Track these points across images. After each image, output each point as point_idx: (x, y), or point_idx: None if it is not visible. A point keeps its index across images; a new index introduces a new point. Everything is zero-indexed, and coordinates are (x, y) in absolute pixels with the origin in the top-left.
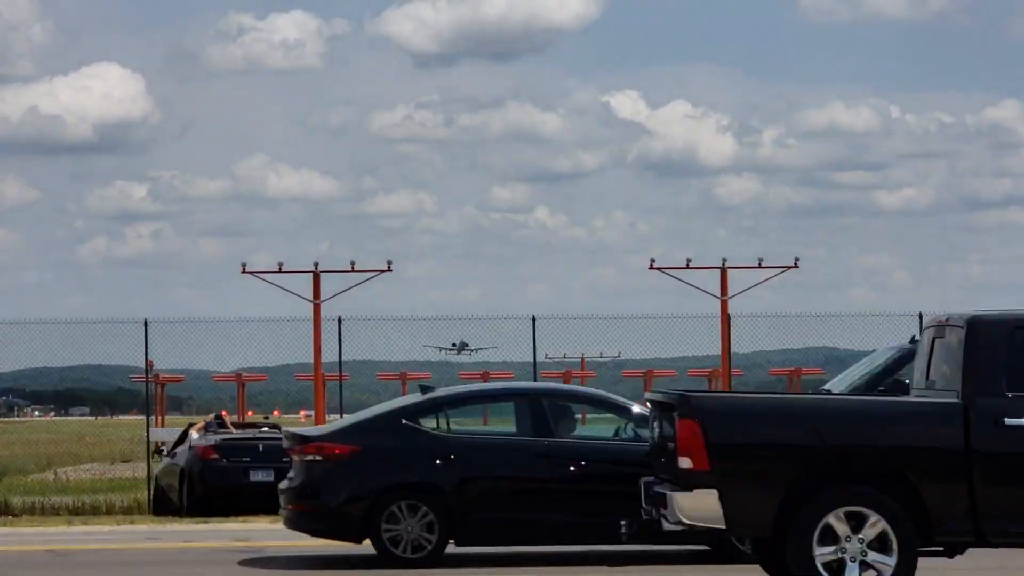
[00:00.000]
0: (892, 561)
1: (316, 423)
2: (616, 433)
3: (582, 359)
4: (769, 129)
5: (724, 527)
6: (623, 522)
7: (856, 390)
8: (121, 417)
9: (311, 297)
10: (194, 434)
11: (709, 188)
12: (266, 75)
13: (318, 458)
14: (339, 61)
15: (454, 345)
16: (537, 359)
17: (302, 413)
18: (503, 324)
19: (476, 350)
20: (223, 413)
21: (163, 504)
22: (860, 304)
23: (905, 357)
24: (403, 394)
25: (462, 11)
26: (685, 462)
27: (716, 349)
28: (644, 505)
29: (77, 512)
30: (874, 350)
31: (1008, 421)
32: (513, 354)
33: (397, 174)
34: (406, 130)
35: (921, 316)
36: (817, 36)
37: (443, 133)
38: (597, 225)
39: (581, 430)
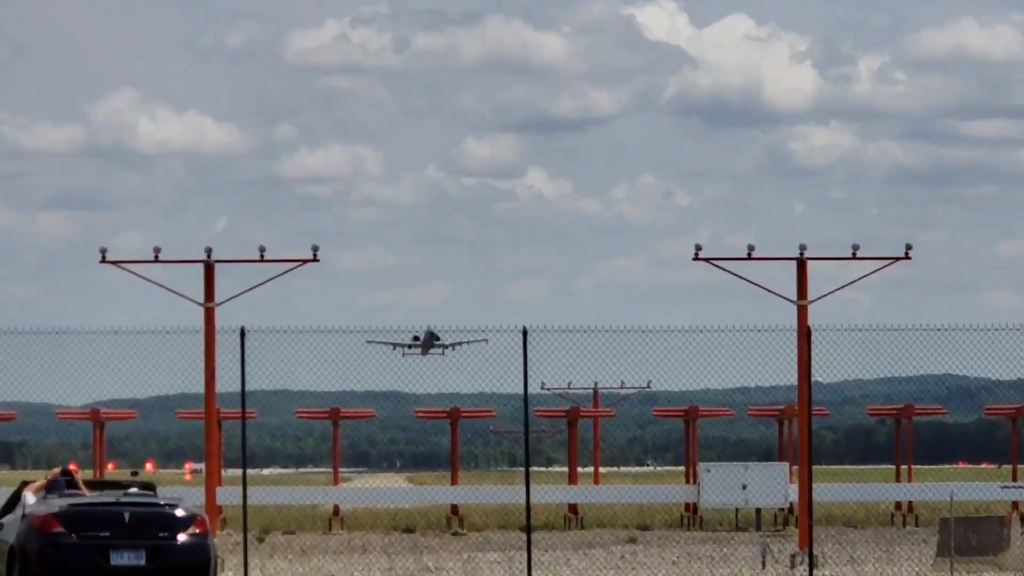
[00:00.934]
0: None
1: (208, 481)
2: None
3: (595, 391)
4: (867, 58)
5: None
6: None
7: None
8: None
9: (201, 299)
10: (30, 496)
11: (780, 143)
12: None
13: None
14: None
15: (416, 340)
16: (530, 390)
17: (187, 467)
18: (480, 340)
19: (452, 346)
20: (71, 467)
21: None
22: (998, 312)
23: None
24: (334, 437)
25: None
26: None
27: (790, 377)
28: None
29: None
30: (1021, 379)
31: None
32: (495, 381)
33: (326, 121)
34: (338, 57)
35: None
36: None
37: (393, 62)
38: (617, 196)
39: None
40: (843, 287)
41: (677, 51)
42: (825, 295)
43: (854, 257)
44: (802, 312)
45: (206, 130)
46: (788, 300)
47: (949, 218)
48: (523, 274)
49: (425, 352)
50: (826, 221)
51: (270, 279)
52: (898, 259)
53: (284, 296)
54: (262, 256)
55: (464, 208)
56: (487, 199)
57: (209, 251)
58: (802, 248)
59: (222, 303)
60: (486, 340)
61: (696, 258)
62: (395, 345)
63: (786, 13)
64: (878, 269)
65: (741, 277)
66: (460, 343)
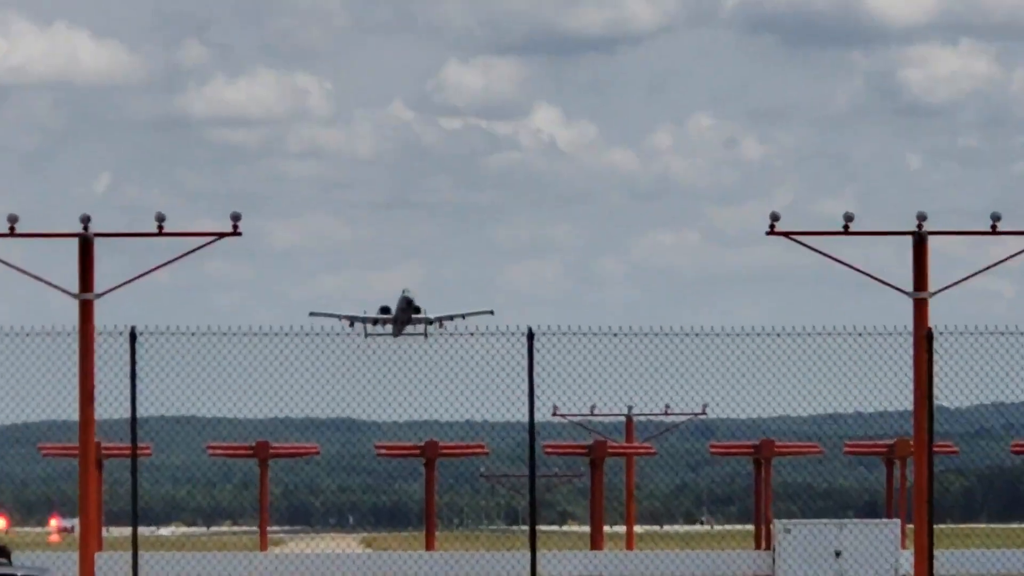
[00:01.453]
0: None
1: (83, 544)
2: None
3: (627, 419)
4: None
5: None
6: None
7: None
8: None
9: (75, 288)
10: None
11: (888, 72)
12: None
13: None
14: None
15: (384, 313)
16: (538, 416)
17: (54, 524)
18: (484, 312)
19: (438, 321)
20: None
21: None
22: None
23: None
24: (262, 482)
25: None
26: None
27: (903, 400)
28: None
29: None
30: None
31: None
32: (488, 403)
33: (249, 39)
34: None
35: None
36: None
37: None
38: (659, 145)
39: None
40: (977, 273)
41: None
42: (953, 284)
43: (993, 232)
44: (920, 307)
45: (80, 51)
46: (901, 291)
47: None
48: (527, 254)
49: (399, 331)
50: (954, 181)
51: (172, 260)
52: None
53: (191, 284)
54: (160, 228)
55: (444, 161)
56: (477, 148)
57: (86, 221)
58: (921, 218)
59: (104, 293)
60: (491, 312)
61: (771, 231)
62: (352, 320)
63: None
64: None
65: (834, 259)
66: (449, 317)
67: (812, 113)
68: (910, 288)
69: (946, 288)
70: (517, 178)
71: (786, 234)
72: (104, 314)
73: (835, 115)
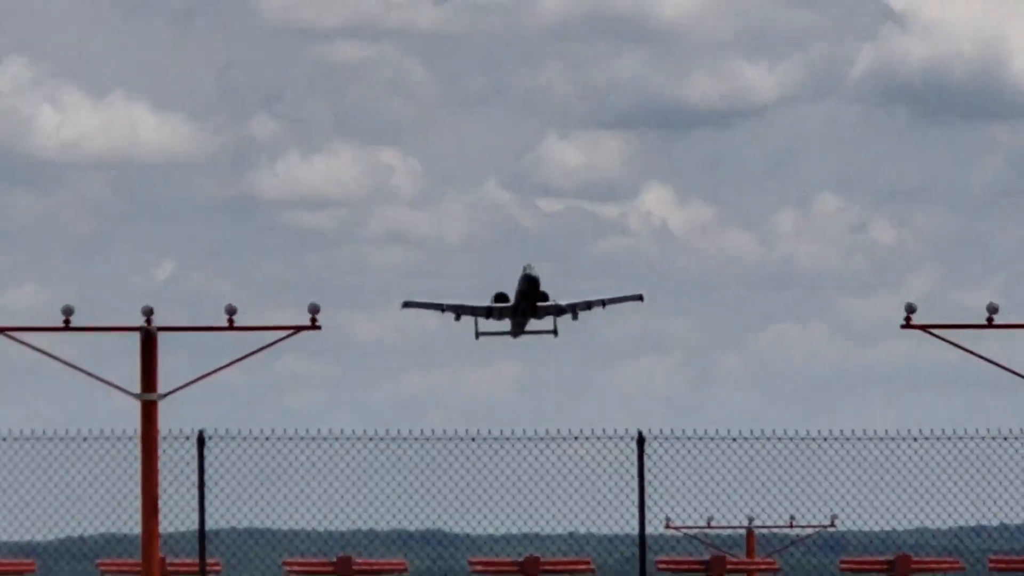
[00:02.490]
0: None
1: None
2: None
3: (748, 531)
4: None
5: None
6: None
7: None
8: None
9: (136, 387)
10: None
11: None
12: None
13: None
14: None
15: (500, 302)
16: (649, 528)
17: None
18: (633, 298)
19: (571, 309)
20: None
21: None
22: None
23: None
24: None
25: None
26: None
27: None
28: None
29: None
30: None
31: None
32: (594, 513)
33: (325, 111)
34: (342, 13)
35: None
36: None
37: (428, 19)
38: (781, 227)
39: None
40: None
41: (876, 5)
42: None
43: None
44: None
45: (140, 125)
46: None
47: None
48: (636, 347)
49: (520, 326)
50: None
51: (243, 357)
52: None
53: (264, 383)
54: (230, 322)
55: (544, 245)
56: (580, 231)
57: (148, 313)
58: None
59: (169, 394)
60: (640, 298)
61: (907, 325)
62: (458, 311)
63: None
64: None
65: (977, 355)
66: (586, 304)
67: (950, 194)
68: None
69: None
70: (624, 266)
71: (923, 327)
72: (169, 416)
73: (975, 196)
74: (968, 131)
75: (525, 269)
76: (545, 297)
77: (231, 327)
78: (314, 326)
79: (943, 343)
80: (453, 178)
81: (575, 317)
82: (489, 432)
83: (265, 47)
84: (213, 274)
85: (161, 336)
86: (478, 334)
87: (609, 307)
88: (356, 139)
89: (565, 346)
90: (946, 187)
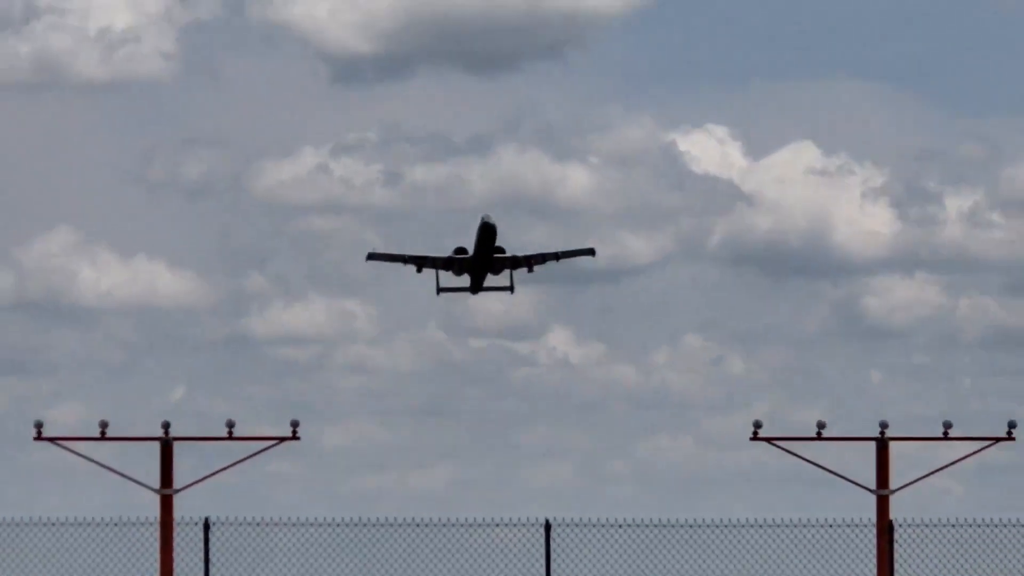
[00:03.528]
0: None
1: None
2: None
3: None
4: (957, 196)
5: None
6: None
7: None
8: None
9: (157, 483)
10: None
11: (853, 299)
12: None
13: None
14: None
15: (459, 254)
16: None
17: None
18: (484, 535)
19: (526, 261)
20: None
21: None
22: None
23: None
24: None
25: None
26: None
27: None
28: None
29: None
30: None
31: None
32: None
33: (303, 269)
34: (317, 192)
35: None
36: None
37: (384, 197)
38: (657, 361)
39: None
40: (932, 473)
41: (728, 186)
42: (910, 483)
43: (945, 437)
44: (883, 504)
45: (159, 279)
46: (866, 489)
47: None
48: (544, 455)
49: (479, 282)
50: (910, 394)
51: (241, 460)
52: (998, 439)
53: (257, 481)
54: (230, 433)
55: (472, 376)
56: (500, 364)
57: (167, 426)
58: (883, 426)
59: (182, 489)
60: (592, 252)
61: (755, 437)
62: (420, 262)
63: (860, 141)
64: (974, 452)
65: (808, 461)
66: (540, 256)
67: (788, 335)
68: (874, 487)
69: (904, 487)
70: (535, 390)
71: (767, 439)
72: (181, 507)
73: (808, 337)
74: (801, 286)
75: (483, 218)
76: (501, 250)
77: (231, 437)
78: (295, 437)
79: (783, 451)
80: (402, 322)
81: (530, 270)
82: (425, 519)
83: (257, 220)
84: (216, 396)
85: (176, 444)
86: (439, 290)
87: (563, 261)
88: (327, 291)
89: (489, 449)
90: (784, 330)
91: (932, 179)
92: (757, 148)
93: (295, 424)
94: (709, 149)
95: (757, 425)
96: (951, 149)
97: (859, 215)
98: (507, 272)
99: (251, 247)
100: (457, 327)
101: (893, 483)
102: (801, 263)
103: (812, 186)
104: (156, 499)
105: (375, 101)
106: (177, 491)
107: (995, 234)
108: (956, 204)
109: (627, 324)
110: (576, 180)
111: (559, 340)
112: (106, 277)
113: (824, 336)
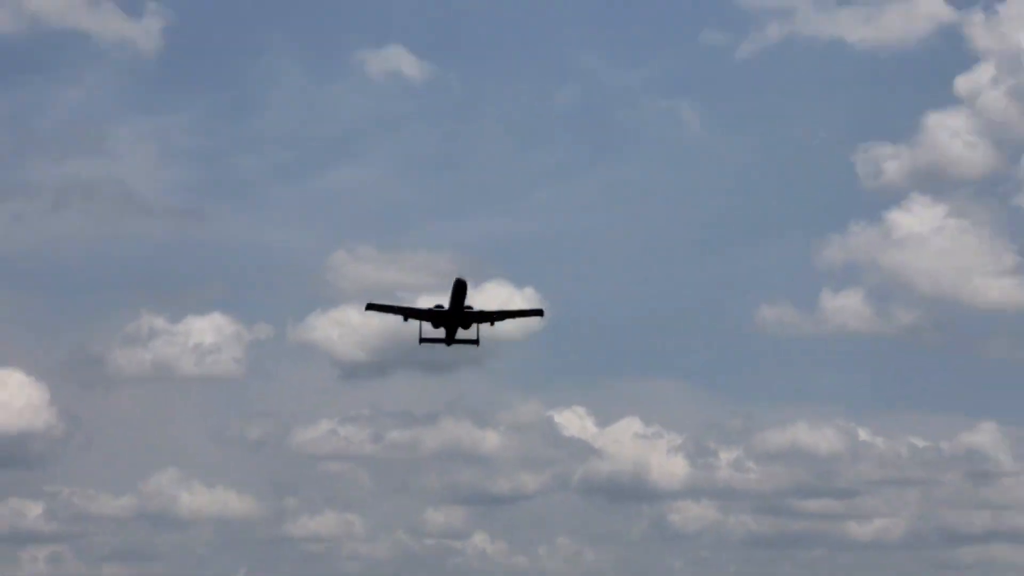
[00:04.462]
0: None
1: None
2: None
3: None
4: (727, 450)
5: None
6: None
7: None
8: None
9: None
10: None
11: (662, 515)
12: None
13: None
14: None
15: (437, 308)
16: None
17: None
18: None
19: (489, 318)
20: None
21: None
22: None
23: None
24: None
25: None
26: None
27: None
28: None
29: None
30: None
31: None
32: None
33: (321, 494)
34: (330, 446)
35: None
36: (778, 350)
37: (372, 451)
38: (541, 553)
39: None
40: None
41: (585, 445)
42: None
43: None
44: None
45: (230, 501)
46: None
47: (791, 574)
48: None
49: (452, 334)
50: (697, 575)
51: None
52: None
53: None
54: None
55: (426, 563)
56: (443, 555)
57: None
58: None
59: None
60: (540, 312)
61: None
62: (407, 314)
63: (667, 416)
64: None
65: None
66: (500, 315)
67: (621, 538)
68: None
69: None
70: (465, 572)
71: None
72: None
73: (633, 539)
74: (630, 506)
75: (457, 278)
76: (470, 307)
77: None
78: None
79: None
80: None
81: (492, 324)
82: None
83: (292, 463)
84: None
85: None
86: (421, 340)
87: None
88: (335, 508)
89: None
90: (620, 536)
91: (711, 440)
92: (603, 420)
93: None
94: (574, 421)
95: None
96: (723, 422)
97: (666, 462)
98: (475, 327)
99: (288, 482)
100: (417, 531)
101: None
102: (630, 492)
103: (638, 445)
104: None
105: (367, 391)
106: None
107: (751, 476)
108: (727, 456)
109: (523, 530)
110: (491, 439)
111: (480, 540)
112: (197, 500)
113: (644, 539)
